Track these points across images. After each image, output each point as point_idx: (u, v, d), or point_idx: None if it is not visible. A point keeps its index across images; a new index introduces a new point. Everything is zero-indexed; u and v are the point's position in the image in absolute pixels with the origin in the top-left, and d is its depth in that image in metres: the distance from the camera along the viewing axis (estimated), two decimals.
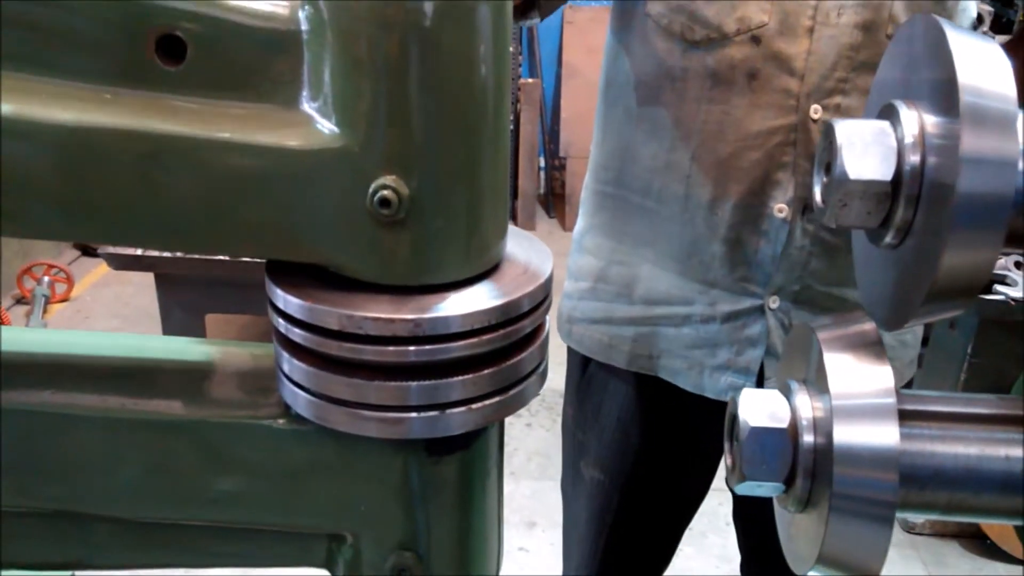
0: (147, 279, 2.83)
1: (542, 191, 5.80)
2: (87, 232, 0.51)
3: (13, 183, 0.47)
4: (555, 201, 5.73)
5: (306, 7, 0.45)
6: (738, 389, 1.14)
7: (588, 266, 1.27)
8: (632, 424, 1.28)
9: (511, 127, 5.40)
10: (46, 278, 4.15)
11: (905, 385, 1.28)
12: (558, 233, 5.36)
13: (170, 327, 2.84)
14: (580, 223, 1.32)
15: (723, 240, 1.12)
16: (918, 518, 2.67)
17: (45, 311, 4.06)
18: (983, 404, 0.55)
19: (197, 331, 2.80)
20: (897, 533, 2.85)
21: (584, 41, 5.30)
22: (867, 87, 1.06)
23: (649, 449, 1.29)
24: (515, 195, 5.49)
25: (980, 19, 3.16)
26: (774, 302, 1.13)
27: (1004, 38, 3.56)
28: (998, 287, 2.22)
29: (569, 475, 1.41)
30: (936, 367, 2.50)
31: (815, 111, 1.05)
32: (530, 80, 5.37)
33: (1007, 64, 0.46)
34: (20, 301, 4.23)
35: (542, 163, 5.69)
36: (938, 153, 0.46)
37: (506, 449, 2.65)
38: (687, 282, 1.16)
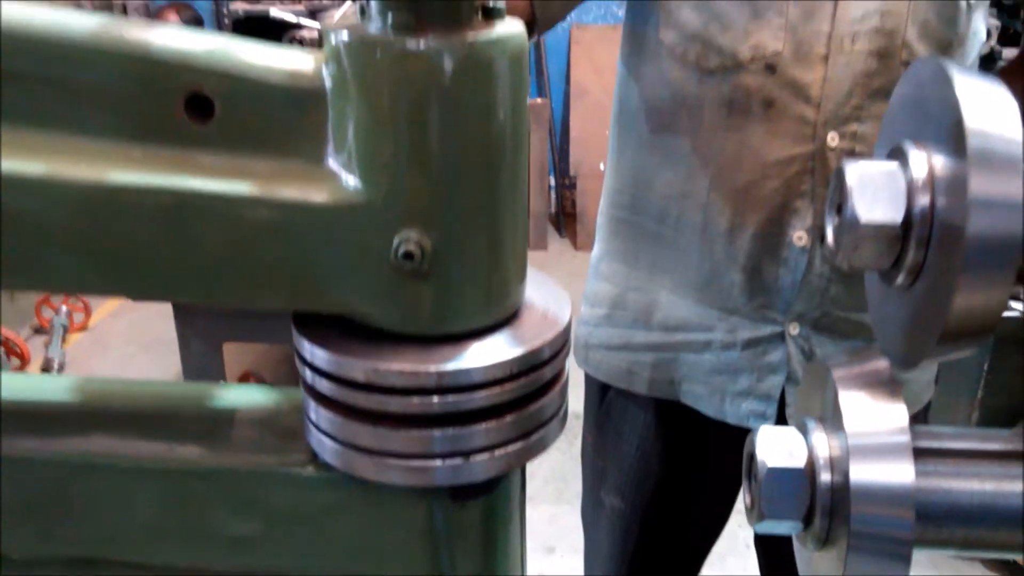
0: (164, 307, 2.85)
1: (553, 210, 5.81)
2: (117, 286, 0.52)
3: (44, 239, 0.49)
4: (566, 220, 5.74)
5: (330, 64, 0.47)
6: (759, 415, 1.16)
7: (604, 292, 1.27)
8: (653, 451, 1.28)
9: None
10: (64, 307, 4.19)
11: (925, 408, 1.28)
12: (569, 253, 5.37)
13: (188, 355, 2.86)
14: (596, 248, 1.33)
15: (742, 268, 1.12)
16: None
17: (64, 340, 4.09)
18: (997, 440, 0.56)
19: (215, 359, 2.81)
20: (918, 553, 2.83)
21: (592, 60, 5.33)
22: (882, 114, 1.06)
23: (670, 475, 1.29)
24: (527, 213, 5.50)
25: (988, 34, 3.16)
26: (794, 329, 1.14)
27: (1012, 50, 3.56)
28: (1013, 303, 2.21)
29: (589, 502, 1.42)
30: (953, 384, 2.49)
31: (832, 139, 1.06)
32: (539, 100, 5.40)
33: (1014, 106, 0.47)
34: (39, 331, 4.27)
35: (552, 182, 5.71)
36: (947, 195, 0.47)
37: None
38: (706, 309, 1.17)
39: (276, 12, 4.40)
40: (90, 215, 0.48)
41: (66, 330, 4.16)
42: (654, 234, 1.19)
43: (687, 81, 1.11)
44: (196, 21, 4.70)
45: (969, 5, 1.07)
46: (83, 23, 0.48)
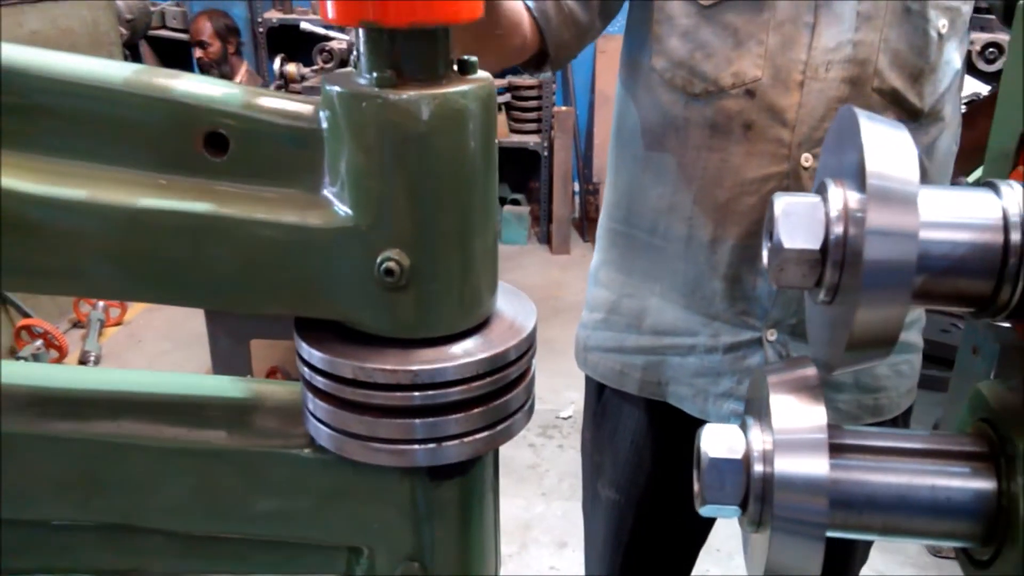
0: None
1: (576, 215, 5.88)
2: (144, 294, 0.60)
3: (85, 253, 0.57)
4: (589, 225, 5.81)
5: (325, 110, 0.55)
6: (739, 415, 1.23)
7: (601, 298, 1.35)
8: (644, 447, 1.36)
9: (545, 154, 5.52)
10: (101, 303, 4.33)
11: (905, 412, 1.35)
12: (591, 256, 5.43)
13: (217, 350, 2.98)
14: (595, 257, 1.41)
15: (723, 277, 1.20)
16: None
17: (100, 334, 4.24)
18: (917, 439, 0.63)
19: (242, 355, 2.93)
20: (923, 556, 2.87)
21: (616, 70, 5.38)
22: None
23: (661, 471, 1.37)
24: (550, 219, 5.58)
25: (968, 54, 3.15)
26: (772, 335, 1.21)
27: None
28: None
29: (588, 495, 1.50)
30: (961, 391, 2.52)
31: (806, 159, 1.13)
32: (563, 108, 5.48)
33: (913, 150, 0.54)
34: (76, 325, 4.42)
35: (576, 188, 5.78)
36: (856, 226, 0.54)
37: (538, 470, 2.76)
38: (691, 315, 1.24)
39: (307, 25, 4.52)
40: (123, 233, 0.56)
41: (102, 324, 4.31)
42: (645, 245, 1.27)
43: (675, 104, 1.19)
44: (231, 30, 4.81)
45: (940, 36, 1.13)
46: (120, 71, 0.57)
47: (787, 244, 0.57)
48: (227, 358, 2.91)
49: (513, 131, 5.63)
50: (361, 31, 0.53)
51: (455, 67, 0.56)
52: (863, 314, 0.53)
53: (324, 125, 0.55)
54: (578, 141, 5.67)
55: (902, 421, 1.32)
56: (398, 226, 0.54)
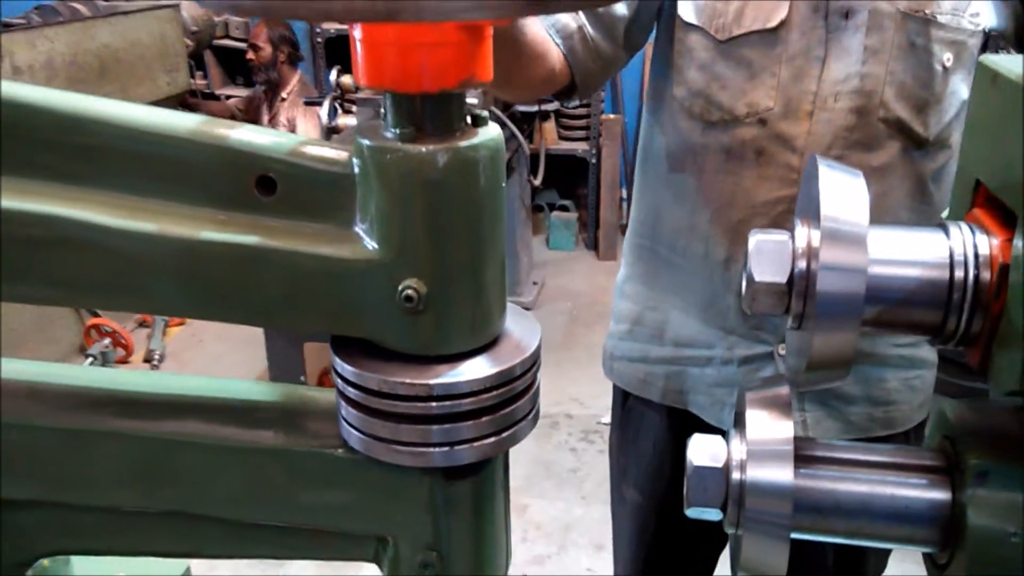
0: None
1: (623, 221, 5.93)
2: (202, 312, 0.70)
3: (153, 277, 0.67)
4: None
5: (356, 158, 0.64)
6: None
7: (627, 310, 1.43)
8: (665, 452, 1.43)
9: (593, 161, 5.59)
10: None
11: (918, 426, 1.39)
12: None
13: (273, 353, 3.12)
14: (622, 271, 1.49)
15: (737, 293, 1.27)
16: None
17: (164, 334, 4.43)
18: (882, 453, 0.70)
19: (296, 356, 3.06)
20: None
21: None
22: (860, 164, 1.20)
23: (681, 475, 1.43)
24: (597, 226, 5.64)
25: None
26: (782, 349, 1.28)
27: None
28: None
29: (615, 497, 1.58)
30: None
31: None
32: (611, 116, 5.54)
33: (865, 196, 0.61)
34: (142, 324, 4.62)
35: (624, 195, 5.84)
36: (816, 261, 0.62)
37: (579, 474, 2.84)
38: (709, 328, 1.31)
39: None
40: (186, 260, 0.66)
41: (166, 325, 4.50)
42: (667, 261, 1.35)
43: (693, 130, 1.26)
44: (286, 39, 4.95)
45: (945, 69, 1.19)
46: (186, 122, 0.67)
47: (758, 277, 0.64)
48: (282, 359, 3.04)
49: (562, 138, 5.71)
50: (387, 94, 0.62)
51: (468, 120, 0.65)
52: (819, 340, 0.60)
53: (356, 171, 0.64)
54: (626, 148, 5.72)
55: (914, 434, 1.37)
56: (417, 259, 0.63)
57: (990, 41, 1.26)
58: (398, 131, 0.61)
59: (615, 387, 1.50)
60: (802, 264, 0.63)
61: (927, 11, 1.18)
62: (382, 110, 0.65)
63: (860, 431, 1.32)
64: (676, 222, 1.31)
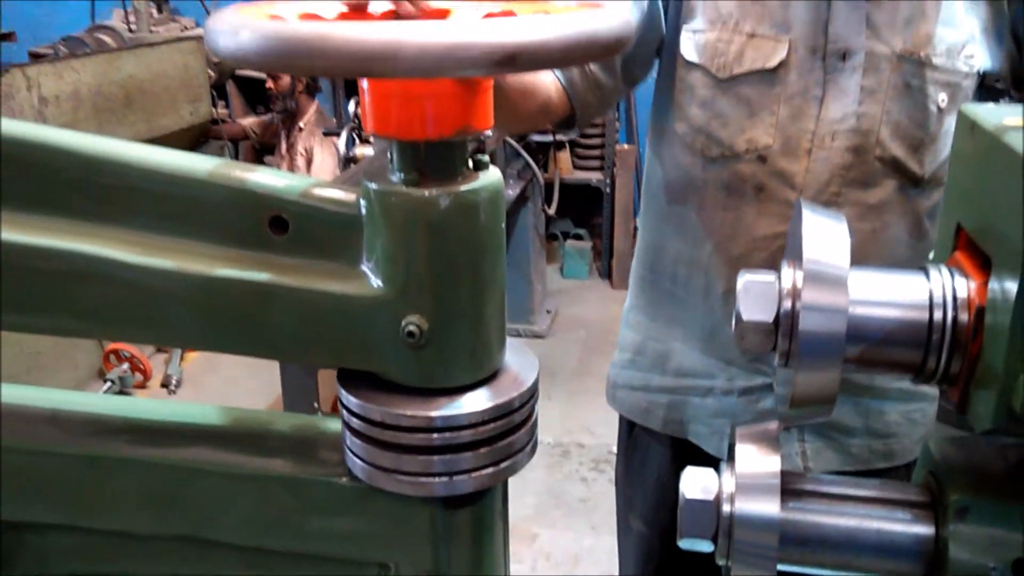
0: None
1: None
2: (215, 345, 0.74)
3: (169, 311, 0.71)
4: None
5: (363, 200, 0.68)
6: None
7: (630, 340, 1.46)
8: (669, 482, 1.45)
9: (608, 190, 5.63)
10: None
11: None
12: None
13: (287, 379, 3.14)
14: (627, 301, 1.52)
15: None
16: None
17: (182, 359, 4.49)
18: (869, 488, 0.72)
19: (310, 383, 3.08)
20: None
21: None
22: (857, 200, 1.23)
23: None
24: (611, 255, 5.67)
25: None
26: None
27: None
28: None
29: (621, 526, 1.60)
30: None
31: None
32: (626, 146, 5.59)
33: (846, 239, 0.64)
34: (160, 350, 4.68)
35: (638, 223, 5.86)
36: (799, 302, 0.64)
37: (589, 504, 2.84)
38: (710, 359, 1.34)
39: None
40: (201, 296, 0.70)
41: (184, 351, 4.55)
42: (669, 292, 1.38)
43: (694, 166, 1.30)
44: None
45: (940, 109, 1.22)
46: (204, 164, 0.70)
47: (745, 316, 0.67)
48: (296, 386, 3.07)
49: (577, 167, 5.76)
50: (392, 141, 0.65)
51: (470, 164, 0.68)
52: (802, 378, 0.63)
53: (363, 212, 0.68)
54: (640, 178, 5.76)
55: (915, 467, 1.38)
56: (419, 296, 0.66)
57: (986, 82, 1.29)
58: (402, 175, 0.65)
59: (621, 417, 1.53)
60: (788, 304, 0.65)
61: (922, 53, 1.21)
62: (388, 155, 0.69)
63: (860, 463, 1.33)
64: (678, 255, 1.35)
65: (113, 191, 0.69)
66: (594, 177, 5.72)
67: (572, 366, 4.65)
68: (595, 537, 3.10)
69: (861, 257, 1.22)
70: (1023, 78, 1.28)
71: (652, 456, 1.46)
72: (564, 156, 5.66)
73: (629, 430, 1.50)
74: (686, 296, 1.35)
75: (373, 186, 0.66)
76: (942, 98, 1.22)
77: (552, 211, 5.29)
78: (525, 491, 3.36)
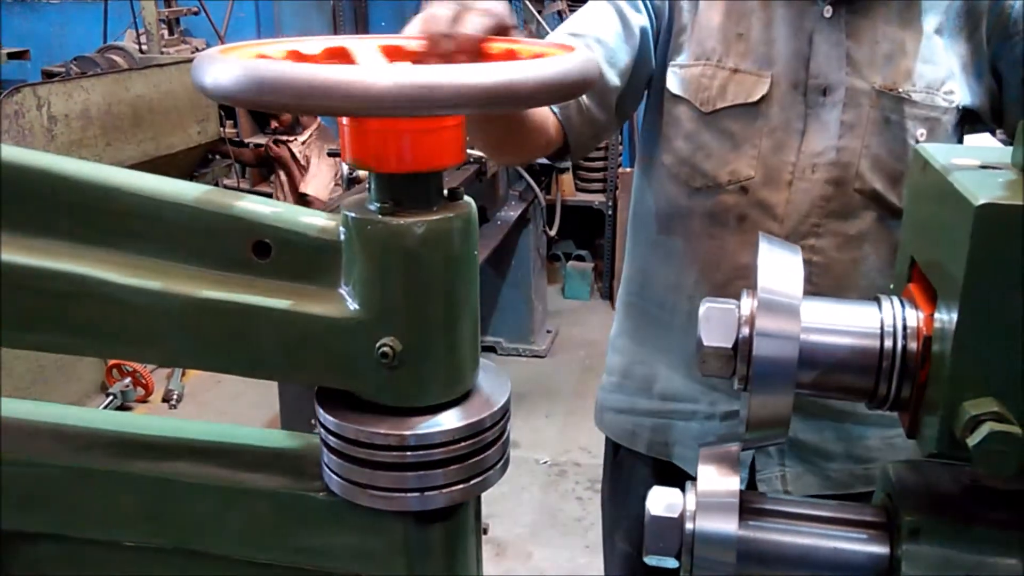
0: None
1: None
2: (201, 363, 0.77)
3: (156, 330, 0.74)
4: None
5: (342, 227, 0.71)
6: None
7: (617, 363, 1.49)
8: None
9: (609, 213, 5.67)
10: None
11: None
12: None
13: (285, 394, 3.18)
14: (614, 326, 1.55)
15: None
16: None
17: (183, 375, 4.52)
18: (827, 508, 0.74)
19: (308, 398, 3.11)
20: None
21: None
22: (837, 231, 1.26)
23: None
24: (612, 275, 5.70)
25: None
26: None
27: None
28: None
29: (606, 546, 1.62)
30: None
31: None
32: (628, 169, 5.63)
33: (800, 270, 0.67)
34: (164, 366, 4.72)
35: (626, 251, 5.89)
36: (754, 329, 0.67)
37: (584, 523, 2.86)
38: (693, 384, 1.36)
39: None
40: (187, 316, 0.72)
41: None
42: (655, 318, 1.41)
43: (680, 196, 1.33)
44: None
45: (919, 143, 1.25)
46: (191, 191, 0.74)
47: (706, 342, 0.70)
48: (294, 401, 3.09)
49: (579, 189, 5.81)
50: (370, 172, 0.69)
51: (445, 194, 0.71)
52: (756, 401, 0.65)
53: (342, 238, 0.71)
54: None
55: None
56: (393, 319, 0.69)
57: (966, 117, 1.32)
58: (379, 205, 0.68)
59: (607, 439, 1.55)
60: (745, 331, 0.68)
61: (901, 89, 1.25)
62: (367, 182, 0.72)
63: (841, 487, 1.35)
64: (664, 281, 1.38)
65: (105, 215, 0.73)
66: (596, 199, 5.77)
67: (571, 386, 4.67)
68: (589, 556, 3.11)
69: (841, 287, 1.27)
70: (1003, 114, 1.31)
71: (637, 477, 1.48)
72: (567, 178, 5.71)
73: (614, 452, 1.53)
74: (672, 321, 1.38)
75: (351, 214, 0.69)
76: (921, 132, 1.25)
77: (553, 232, 5.33)
78: (521, 510, 3.37)
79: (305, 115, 4.83)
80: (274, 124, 5.25)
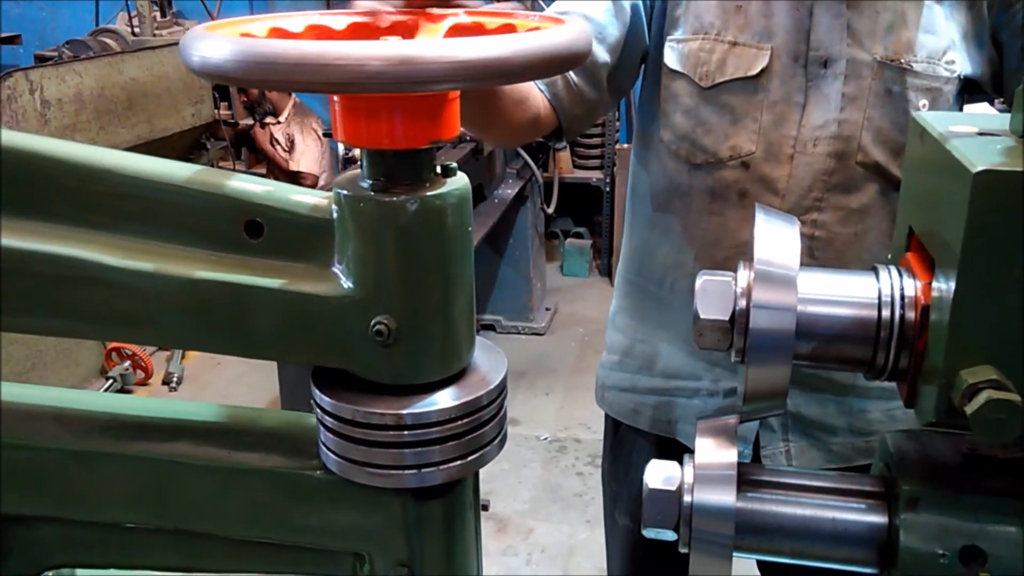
0: None
1: None
2: (197, 344, 0.77)
3: (151, 311, 0.73)
4: None
5: (335, 205, 0.70)
6: (739, 455, 1.34)
7: (617, 342, 1.48)
8: None
9: (607, 189, 5.65)
10: None
11: None
12: None
13: (285, 375, 3.18)
14: (613, 304, 1.54)
15: None
16: None
17: (183, 357, 4.52)
18: (826, 479, 0.74)
19: (307, 380, 3.12)
20: None
21: None
22: (839, 205, 1.25)
23: None
24: (611, 253, 5.69)
25: None
26: None
27: None
28: None
29: (608, 522, 1.62)
30: None
31: None
32: (626, 146, 5.60)
33: (796, 242, 0.66)
34: (161, 347, 4.71)
35: (625, 228, 5.88)
36: (751, 301, 0.67)
37: (584, 498, 2.87)
38: (696, 361, 1.36)
39: None
40: (182, 297, 0.72)
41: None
42: (655, 296, 1.40)
43: (679, 172, 1.32)
44: None
45: None
46: (183, 171, 0.73)
47: (703, 315, 0.69)
48: (294, 382, 3.10)
49: (577, 167, 5.79)
50: (362, 150, 0.68)
51: (439, 170, 0.71)
52: (753, 373, 0.65)
53: (335, 217, 0.70)
54: None
55: None
56: (388, 297, 0.69)
57: (967, 86, 1.31)
58: (371, 182, 0.68)
59: (607, 416, 1.55)
60: (742, 303, 0.68)
61: (903, 60, 1.24)
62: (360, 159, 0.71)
63: (843, 460, 1.35)
64: (664, 259, 1.37)
65: (98, 197, 0.72)
66: (594, 176, 5.75)
67: (570, 363, 4.68)
68: (590, 531, 3.13)
69: (844, 261, 1.26)
70: (1003, 83, 1.30)
71: (638, 454, 1.48)
72: (564, 156, 5.68)
73: (615, 428, 1.53)
74: (672, 299, 1.37)
75: (344, 192, 0.68)
76: (923, 103, 1.24)
77: (551, 210, 5.31)
78: (521, 485, 3.38)
79: (296, 92, 4.81)
80: (242, 97, 5.27)
